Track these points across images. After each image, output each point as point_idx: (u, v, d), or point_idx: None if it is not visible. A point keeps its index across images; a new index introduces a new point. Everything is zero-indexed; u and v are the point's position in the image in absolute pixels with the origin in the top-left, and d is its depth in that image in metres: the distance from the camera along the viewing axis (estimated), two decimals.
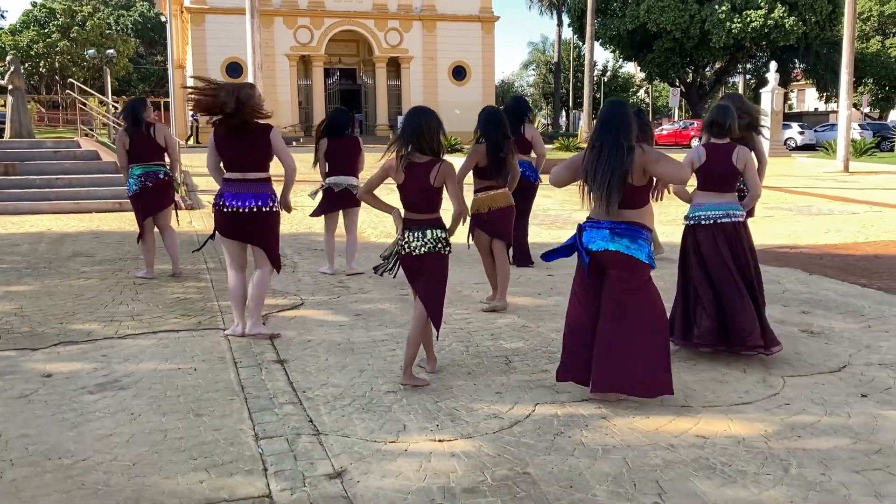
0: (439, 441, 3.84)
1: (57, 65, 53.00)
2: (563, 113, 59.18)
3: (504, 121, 6.49)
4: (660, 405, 4.34)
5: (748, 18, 40.09)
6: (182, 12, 44.80)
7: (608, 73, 65.63)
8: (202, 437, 3.89)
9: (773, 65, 27.82)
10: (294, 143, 34.72)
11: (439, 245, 4.51)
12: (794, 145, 37.88)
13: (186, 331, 5.78)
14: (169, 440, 3.85)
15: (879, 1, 53.04)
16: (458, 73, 43.09)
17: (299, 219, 10.99)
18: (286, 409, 4.26)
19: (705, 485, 3.40)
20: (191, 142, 37.38)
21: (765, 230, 10.70)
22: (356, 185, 7.57)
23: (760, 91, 31.76)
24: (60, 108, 47.29)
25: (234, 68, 39.71)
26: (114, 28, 58.65)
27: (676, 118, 49.59)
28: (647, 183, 4.32)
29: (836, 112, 56.72)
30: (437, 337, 4.87)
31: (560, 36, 57.54)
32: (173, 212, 7.82)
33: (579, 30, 46.55)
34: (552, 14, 56.75)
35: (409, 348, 4.59)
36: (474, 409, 4.27)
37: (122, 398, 4.41)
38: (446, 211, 4.53)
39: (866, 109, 57.77)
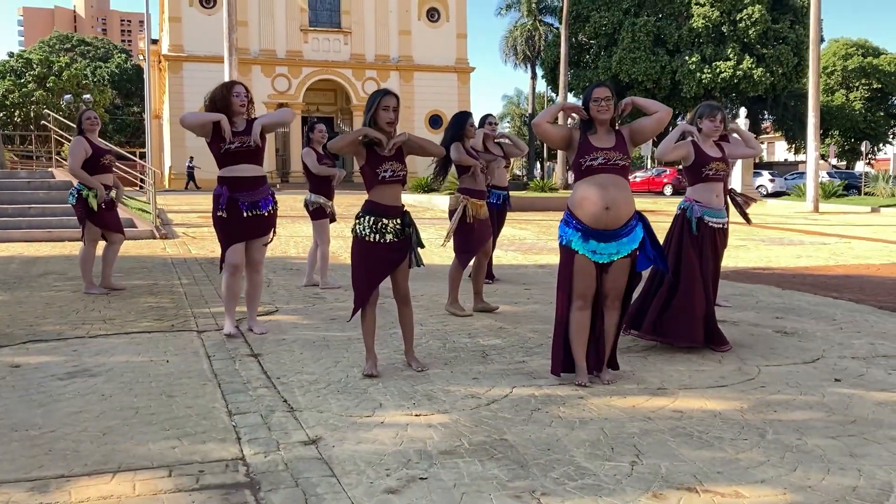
0: (416, 415, 3.80)
1: (32, 114, 52.92)
2: (538, 164, 59.91)
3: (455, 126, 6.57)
4: (636, 386, 4.34)
5: (718, 69, 41.15)
6: (160, 61, 45.14)
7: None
8: (174, 413, 3.83)
9: (742, 111, 28.40)
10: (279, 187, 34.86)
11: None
12: (765, 192, 38.55)
13: (159, 332, 5.71)
14: (140, 415, 3.78)
15: (843, 56, 54.75)
16: (435, 121, 43.57)
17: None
18: (260, 392, 4.20)
19: (682, 448, 3.39)
20: (190, 186, 37.47)
21: (738, 256, 10.86)
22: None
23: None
24: (34, 157, 47.06)
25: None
26: (90, 79, 58.89)
27: (649, 166, 50.38)
28: None
29: (804, 162, 58.11)
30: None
31: (534, 88, 58.56)
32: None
33: (552, 81, 47.46)
34: (526, 67, 57.79)
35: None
36: (451, 391, 4.24)
37: (93, 384, 4.33)
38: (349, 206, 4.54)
39: (833, 160, 59.13)
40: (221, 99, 5.41)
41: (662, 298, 5.22)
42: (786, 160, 63.18)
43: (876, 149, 52.60)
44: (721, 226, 5.43)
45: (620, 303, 4.49)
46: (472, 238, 6.49)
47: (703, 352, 5.12)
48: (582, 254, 4.32)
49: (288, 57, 41.95)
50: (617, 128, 4.51)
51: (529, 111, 59.77)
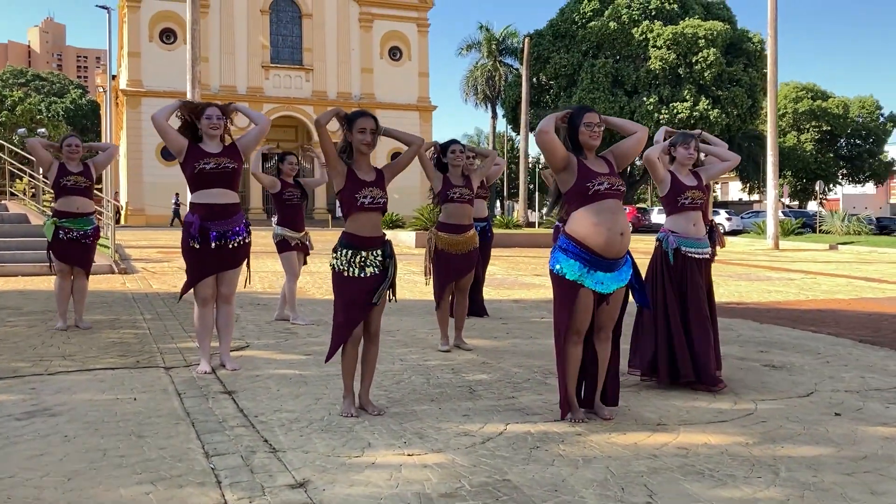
0: (408, 455, 3.56)
1: None
2: (498, 203, 60.19)
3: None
4: (635, 423, 4.16)
5: (675, 110, 41.93)
6: (117, 97, 44.55)
7: (541, 163, 67.37)
8: (146, 455, 3.52)
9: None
10: None
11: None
12: (723, 230, 39.07)
13: (124, 368, 5.38)
14: (109, 458, 3.47)
15: (794, 99, 56.33)
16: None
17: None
18: (238, 431, 3.91)
19: (695, 487, 3.20)
20: (175, 222, 36.75)
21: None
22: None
23: None
24: None
25: (170, 152, 39.37)
26: (45, 114, 57.93)
27: None
28: None
29: (759, 201, 59.28)
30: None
31: (494, 128, 59.03)
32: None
33: (513, 121, 47.92)
34: (486, 107, 58.31)
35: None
36: (442, 428, 4.00)
37: (54, 423, 4.00)
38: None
39: (786, 200, 60.46)
40: (196, 117, 5.22)
41: (652, 335, 5.06)
42: (740, 199, 64.49)
43: (827, 189, 53.91)
44: (701, 256, 5.25)
45: (611, 334, 4.31)
46: (445, 271, 6.25)
47: (695, 386, 4.96)
48: (587, 287, 4.11)
49: (249, 93, 41.68)
50: (599, 154, 4.37)
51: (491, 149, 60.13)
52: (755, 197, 60.16)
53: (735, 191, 68.13)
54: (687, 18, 43.28)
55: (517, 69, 52.66)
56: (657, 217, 42.10)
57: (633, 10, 43.64)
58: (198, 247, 5.15)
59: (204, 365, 5.27)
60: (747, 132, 49.49)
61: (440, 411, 4.33)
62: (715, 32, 41.91)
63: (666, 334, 5.01)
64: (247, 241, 5.33)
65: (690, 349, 4.95)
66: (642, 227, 40.33)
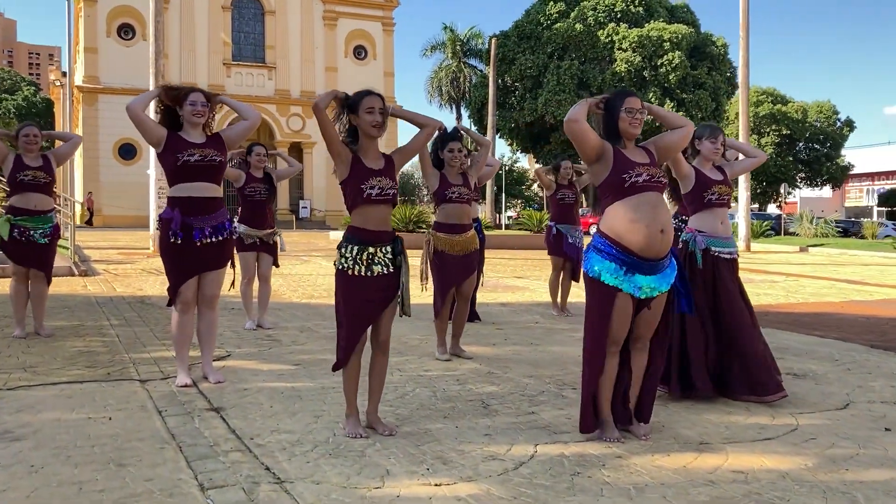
0: (436, 485, 3.10)
1: None
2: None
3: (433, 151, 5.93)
4: (675, 442, 3.75)
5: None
6: (73, 93, 43.23)
7: (505, 167, 67.22)
8: (130, 488, 3.01)
9: None
10: None
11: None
12: None
13: (94, 381, 4.82)
14: (86, 493, 2.96)
15: (754, 103, 56.89)
16: None
17: None
18: (233, 457, 3.42)
19: None
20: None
21: None
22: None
23: None
24: None
25: (128, 150, 38.38)
26: None
27: (585, 206, 50.89)
28: None
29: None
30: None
31: None
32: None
33: (479, 122, 47.51)
34: (451, 108, 57.89)
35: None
36: (465, 451, 3.55)
37: (18, 450, 3.46)
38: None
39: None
40: (174, 104, 4.70)
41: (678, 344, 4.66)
42: None
43: (788, 192, 54.57)
44: (730, 256, 4.90)
45: (649, 343, 3.90)
46: (446, 276, 5.80)
47: (721, 399, 4.59)
48: (626, 292, 3.70)
49: (210, 90, 40.70)
50: (639, 144, 3.98)
51: None
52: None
53: None
54: (652, 21, 43.35)
55: (481, 71, 52.43)
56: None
57: (598, 13, 43.59)
58: (180, 243, 4.64)
59: (183, 377, 4.75)
60: None
61: (458, 430, 3.88)
62: (680, 36, 42.04)
63: (679, 344, 4.62)
64: (232, 236, 4.84)
65: (741, 360, 4.57)
66: None
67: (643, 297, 3.73)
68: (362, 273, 3.73)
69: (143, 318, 7.40)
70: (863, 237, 28.65)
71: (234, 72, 41.51)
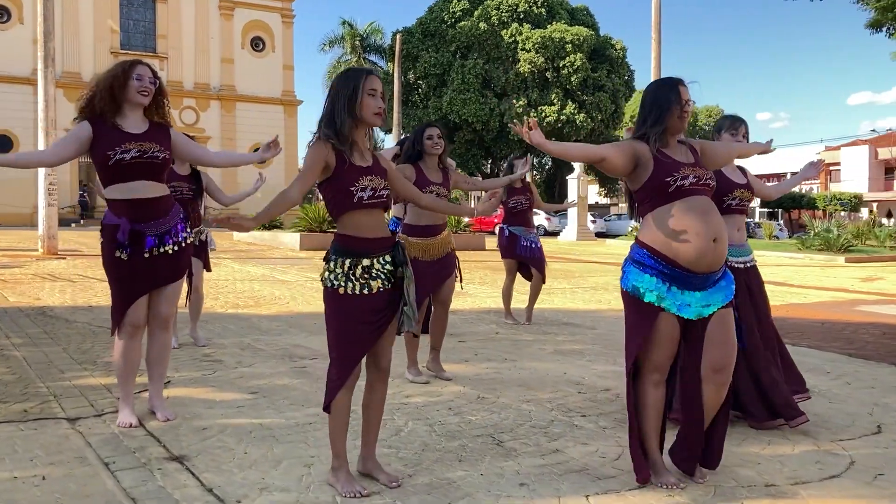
0: None
1: None
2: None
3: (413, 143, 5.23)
4: (739, 485, 3.24)
5: (543, 113, 42.21)
6: None
7: None
8: None
9: None
10: (73, 225, 31.19)
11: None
12: (543, 231, 39.55)
13: (7, 423, 3.90)
14: None
15: None
16: None
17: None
18: None
19: None
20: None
21: None
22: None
23: (567, 178, 33.13)
24: None
25: (4, 142, 35.53)
26: None
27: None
28: None
29: (616, 205, 61.19)
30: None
31: None
32: None
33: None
34: None
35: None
36: None
37: None
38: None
39: None
40: (117, 83, 3.84)
41: None
42: (597, 202, 66.37)
43: None
44: (745, 265, 4.45)
45: (727, 375, 3.25)
46: (422, 284, 5.14)
47: (740, 427, 4.12)
48: (670, 312, 3.17)
49: None
50: (681, 141, 3.46)
51: None
52: (613, 200, 62.09)
53: (592, 194, 70.11)
54: (554, 23, 43.73)
55: (383, 67, 51.59)
56: None
57: (502, 12, 43.60)
58: (126, 258, 3.80)
59: (128, 415, 3.90)
60: (608, 137, 50.77)
61: (485, 479, 3.23)
62: (581, 38, 42.54)
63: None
64: (188, 241, 4.01)
65: (756, 381, 4.11)
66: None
67: (694, 316, 3.20)
68: (357, 291, 3.04)
69: (50, 335, 6.37)
70: (760, 238, 29.58)
71: (122, 60, 39.12)
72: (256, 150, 4.09)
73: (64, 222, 25.44)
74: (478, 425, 4.04)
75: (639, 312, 3.21)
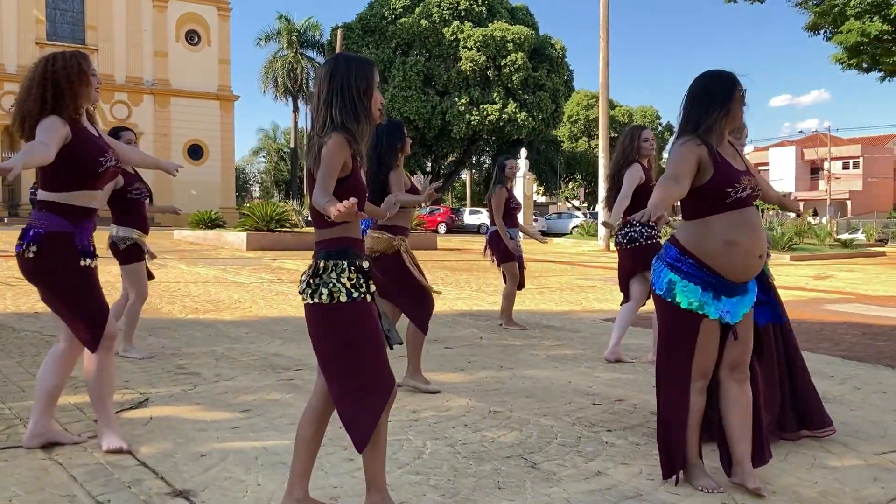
0: None
1: None
2: (300, 200, 57.83)
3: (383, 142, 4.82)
4: (788, 498, 2.99)
5: (485, 112, 42.14)
6: None
7: None
8: None
9: (523, 151, 28.87)
10: None
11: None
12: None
13: None
14: None
15: (585, 106, 59.07)
16: (195, 151, 40.12)
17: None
18: None
19: None
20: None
21: (602, 298, 10.04)
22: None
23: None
24: None
25: None
26: None
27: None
28: None
29: (555, 203, 61.62)
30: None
31: (296, 122, 56.54)
32: None
33: None
34: (288, 100, 55.71)
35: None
36: None
37: None
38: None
39: (576, 202, 63.43)
40: (82, 80, 3.42)
41: None
42: (536, 201, 66.80)
43: None
44: None
45: (744, 372, 3.20)
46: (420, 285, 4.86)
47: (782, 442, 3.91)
48: (713, 319, 3.06)
49: (19, 73, 36.37)
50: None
51: (291, 145, 57.60)
52: (551, 199, 62.56)
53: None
54: (494, 21, 43.70)
55: (319, 63, 50.72)
56: (469, 218, 42.11)
57: (443, 10, 43.37)
58: (94, 265, 3.44)
59: (114, 439, 3.45)
60: (546, 136, 51.11)
61: None
62: (522, 37, 42.62)
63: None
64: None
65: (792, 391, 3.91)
66: (455, 227, 40.07)
67: (732, 322, 3.10)
68: (363, 298, 2.63)
69: (3, 349, 5.78)
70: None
71: (48, 52, 37.35)
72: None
73: None
74: (503, 444, 3.72)
75: (678, 319, 3.10)
